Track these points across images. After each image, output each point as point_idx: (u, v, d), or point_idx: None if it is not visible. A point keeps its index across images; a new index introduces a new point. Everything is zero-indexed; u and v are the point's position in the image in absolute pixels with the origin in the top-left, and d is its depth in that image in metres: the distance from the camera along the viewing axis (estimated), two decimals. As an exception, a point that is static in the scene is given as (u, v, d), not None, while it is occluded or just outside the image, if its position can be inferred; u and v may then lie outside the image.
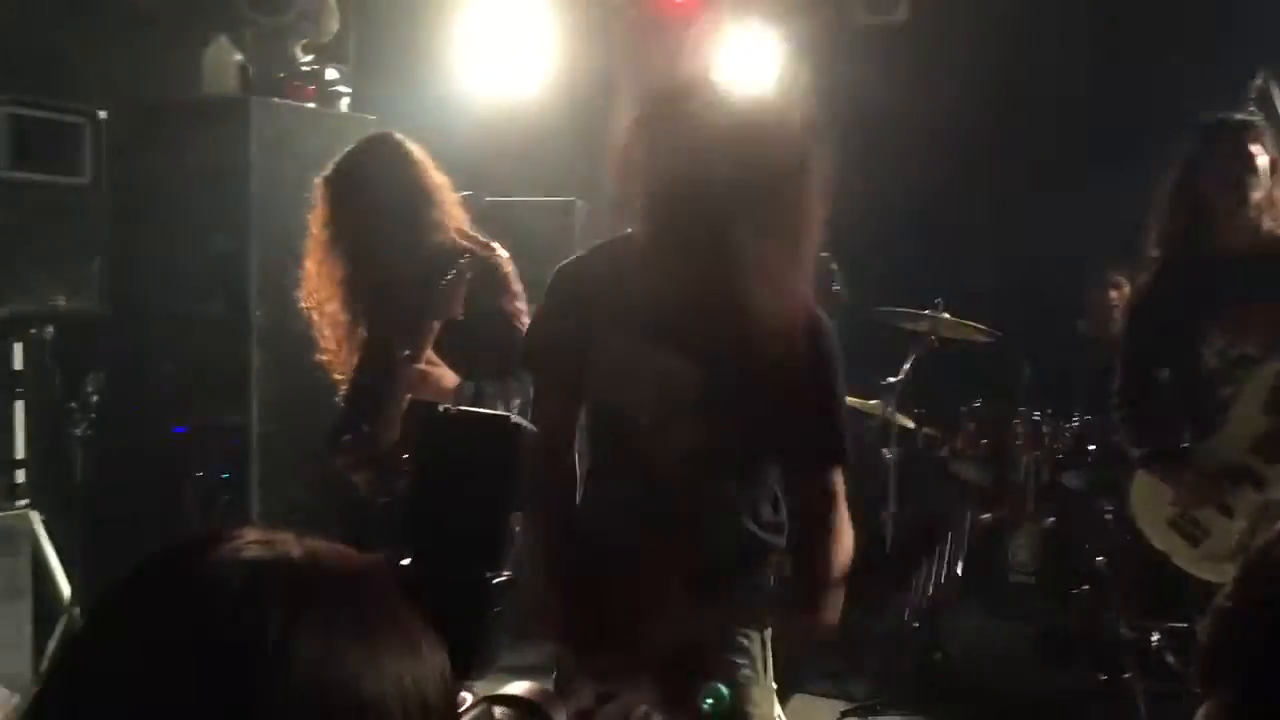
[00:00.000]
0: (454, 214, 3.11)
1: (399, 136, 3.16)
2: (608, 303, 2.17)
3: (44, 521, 4.13)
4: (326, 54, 5.15)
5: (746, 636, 2.24)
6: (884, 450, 5.02)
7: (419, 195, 3.06)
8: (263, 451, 4.66)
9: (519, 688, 0.99)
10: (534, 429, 1.06)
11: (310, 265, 3.18)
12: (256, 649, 0.74)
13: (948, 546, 4.69)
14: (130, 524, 4.56)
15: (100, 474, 4.47)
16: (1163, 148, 4.94)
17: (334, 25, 5.14)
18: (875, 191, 5.13)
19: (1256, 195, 3.31)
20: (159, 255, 4.81)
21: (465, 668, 0.88)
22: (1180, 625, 4.36)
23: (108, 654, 0.78)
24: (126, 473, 4.74)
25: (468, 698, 0.95)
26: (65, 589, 4.08)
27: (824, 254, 5.10)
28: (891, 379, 4.87)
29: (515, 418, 1.03)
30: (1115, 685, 4.28)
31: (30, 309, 3.97)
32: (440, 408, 1.04)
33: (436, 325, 2.82)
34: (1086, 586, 4.32)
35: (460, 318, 2.82)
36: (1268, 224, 3.34)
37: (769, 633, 2.27)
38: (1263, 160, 3.33)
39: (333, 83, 5.08)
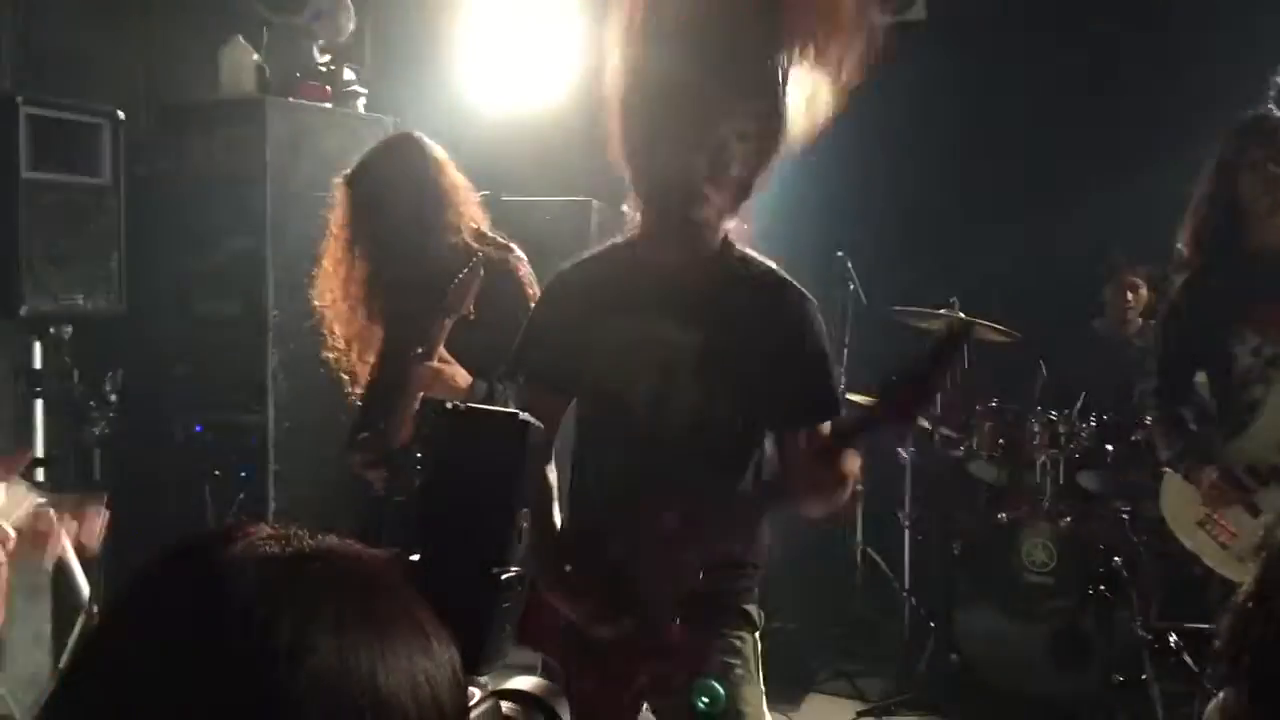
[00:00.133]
0: (473, 215, 3.12)
1: (420, 137, 3.17)
2: (604, 294, 2.28)
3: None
4: (342, 54, 5.16)
5: (739, 638, 2.30)
6: (900, 451, 5.02)
7: (437, 197, 3.07)
8: (280, 450, 4.68)
9: (525, 683, 1.00)
10: (542, 426, 1.07)
11: (327, 263, 3.20)
12: (271, 646, 0.75)
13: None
14: (148, 522, 4.59)
15: (118, 472, 4.49)
16: (1180, 146, 4.93)
17: (350, 25, 5.15)
18: (890, 190, 5.14)
19: None
20: (177, 255, 4.84)
21: (475, 662, 0.88)
22: (1198, 626, 4.35)
23: (123, 650, 0.78)
24: (145, 471, 4.76)
25: (475, 693, 0.95)
26: (84, 587, 4.09)
27: (839, 253, 5.11)
28: (907, 378, 4.85)
29: (524, 415, 1.04)
30: (1132, 686, 4.27)
31: (49, 308, 3.99)
32: (449, 404, 1.04)
33: (448, 324, 2.83)
34: (1103, 587, 4.31)
35: (471, 317, 2.83)
36: None
37: (758, 634, 2.35)
38: None
39: (349, 83, 5.10)
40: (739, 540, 2.31)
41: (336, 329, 3.19)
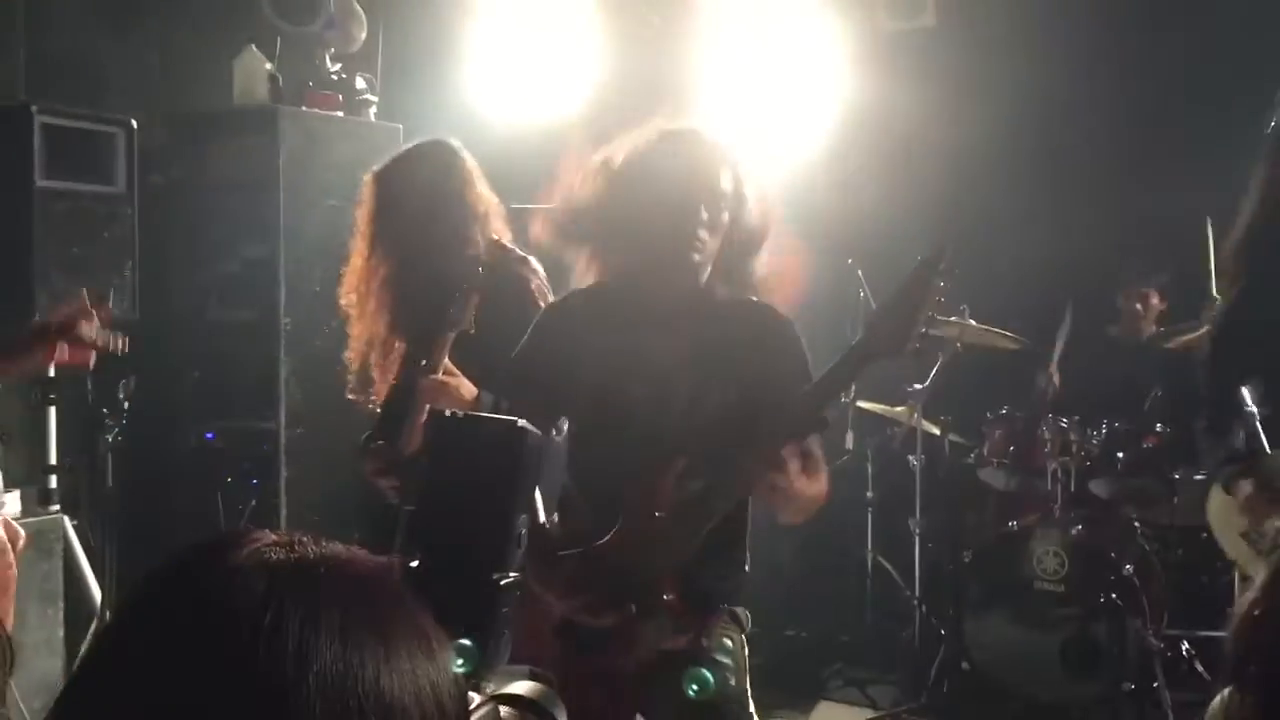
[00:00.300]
0: (497, 229, 3.11)
1: (455, 146, 3.17)
2: (598, 317, 2.48)
3: (75, 526, 4.17)
4: (354, 63, 5.19)
5: (729, 637, 2.40)
6: (910, 458, 5.01)
7: (462, 209, 3.07)
8: (291, 456, 4.70)
9: (522, 687, 1.00)
10: (539, 433, 1.08)
11: (354, 259, 3.19)
12: (277, 650, 0.76)
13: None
14: (161, 528, 4.62)
15: (131, 479, 4.52)
16: (1194, 152, 4.92)
17: (362, 35, 5.17)
18: (901, 196, 5.13)
19: None
20: (190, 262, 4.86)
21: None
22: (1209, 634, 4.33)
23: (130, 654, 0.79)
24: (157, 478, 4.79)
25: (475, 697, 0.96)
26: (97, 593, 4.12)
27: (849, 260, 5.11)
28: (918, 386, 4.86)
29: (521, 422, 1.05)
30: (1143, 694, 4.25)
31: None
32: (447, 412, 1.05)
33: (450, 338, 2.83)
34: (1114, 595, 4.29)
35: (473, 331, 2.83)
36: None
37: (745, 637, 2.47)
38: None
39: (360, 92, 5.12)
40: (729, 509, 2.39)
41: (356, 328, 3.19)
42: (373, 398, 3.23)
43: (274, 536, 0.82)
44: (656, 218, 2.40)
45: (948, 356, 4.83)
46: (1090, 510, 4.65)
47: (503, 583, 1.00)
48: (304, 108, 4.89)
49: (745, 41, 5.14)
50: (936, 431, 5.11)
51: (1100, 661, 4.28)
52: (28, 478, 4.16)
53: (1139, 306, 5.11)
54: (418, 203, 3.06)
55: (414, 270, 3.06)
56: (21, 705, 3.49)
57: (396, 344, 3.17)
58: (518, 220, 3.40)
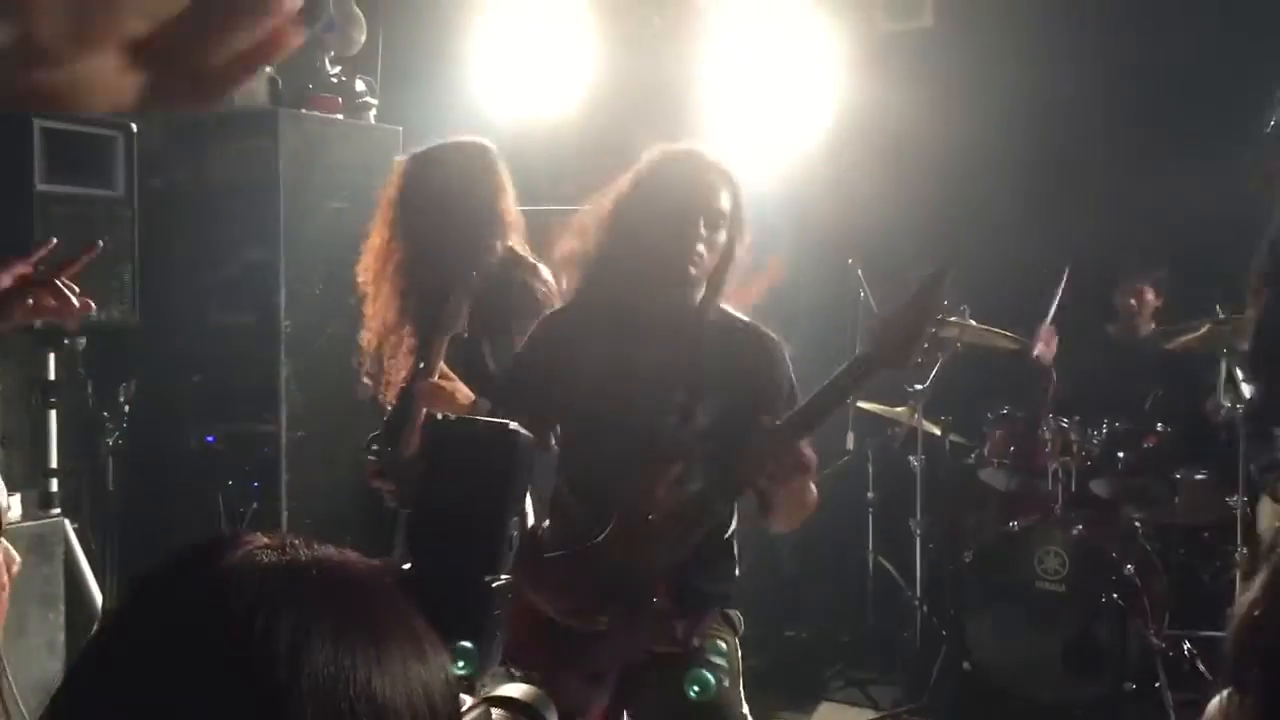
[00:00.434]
0: (514, 241, 3.10)
1: (494, 152, 3.15)
2: (592, 327, 2.52)
3: (76, 530, 4.18)
4: (354, 66, 5.19)
5: (723, 639, 2.42)
6: (911, 458, 5.01)
7: (489, 213, 3.05)
8: (292, 460, 4.70)
9: (514, 689, 1.00)
10: (531, 436, 1.08)
11: (373, 237, 3.16)
12: (269, 653, 0.76)
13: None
14: (161, 532, 4.62)
15: (132, 482, 4.52)
16: (1191, 151, 4.92)
17: (361, 37, 5.18)
18: (900, 197, 5.13)
19: None
20: (189, 266, 4.86)
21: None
22: (1211, 634, 4.33)
23: (123, 657, 0.79)
24: (158, 481, 4.79)
25: (466, 699, 0.96)
26: (98, 597, 4.12)
27: (849, 261, 5.11)
28: (918, 386, 4.86)
29: (513, 425, 1.05)
30: (1145, 694, 4.25)
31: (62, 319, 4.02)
32: (440, 416, 1.05)
33: (444, 340, 2.82)
34: (1115, 595, 4.29)
35: (465, 335, 2.82)
36: None
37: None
38: None
39: (360, 94, 5.12)
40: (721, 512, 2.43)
41: (371, 310, 3.16)
42: (382, 386, 3.19)
43: (266, 540, 0.83)
44: (656, 228, 2.46)
45: (948, 357, 4.83)
46: (1091, 510, 4.64)
47: (495, 585, 1.00)
48: (304, 110, 4.90)
49: (744, 42, 5.15)
50: (937, 432, 5.11)
51: (1102, 661, 4.27)
52: (29, 481, 4.16)
53: (1134, 302, 5.11)
54: (445, 195, 3.04)
55: (428, 263, 3.03)
56: (22, 707, 3.49)
57: (406, 334, 3.13)
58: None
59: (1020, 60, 5.03)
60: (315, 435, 4.71)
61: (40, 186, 4.05)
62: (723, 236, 2.49)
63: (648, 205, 2.49)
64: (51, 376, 4.07)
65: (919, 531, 5.01)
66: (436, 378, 2.81)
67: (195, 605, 0.79)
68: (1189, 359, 4.69)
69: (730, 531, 2.56)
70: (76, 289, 2.69)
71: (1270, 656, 1.00)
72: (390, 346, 3.14)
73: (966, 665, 4.53)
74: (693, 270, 2.46)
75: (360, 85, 5.14)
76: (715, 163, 2.53)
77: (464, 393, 2.85)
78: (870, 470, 5.28)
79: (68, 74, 0.63)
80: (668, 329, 2.50)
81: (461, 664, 1.94)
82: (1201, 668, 4.44)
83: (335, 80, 5.07)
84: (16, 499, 4.01)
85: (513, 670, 2.28)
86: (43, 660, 3.93)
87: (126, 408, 4.29)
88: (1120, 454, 4.61)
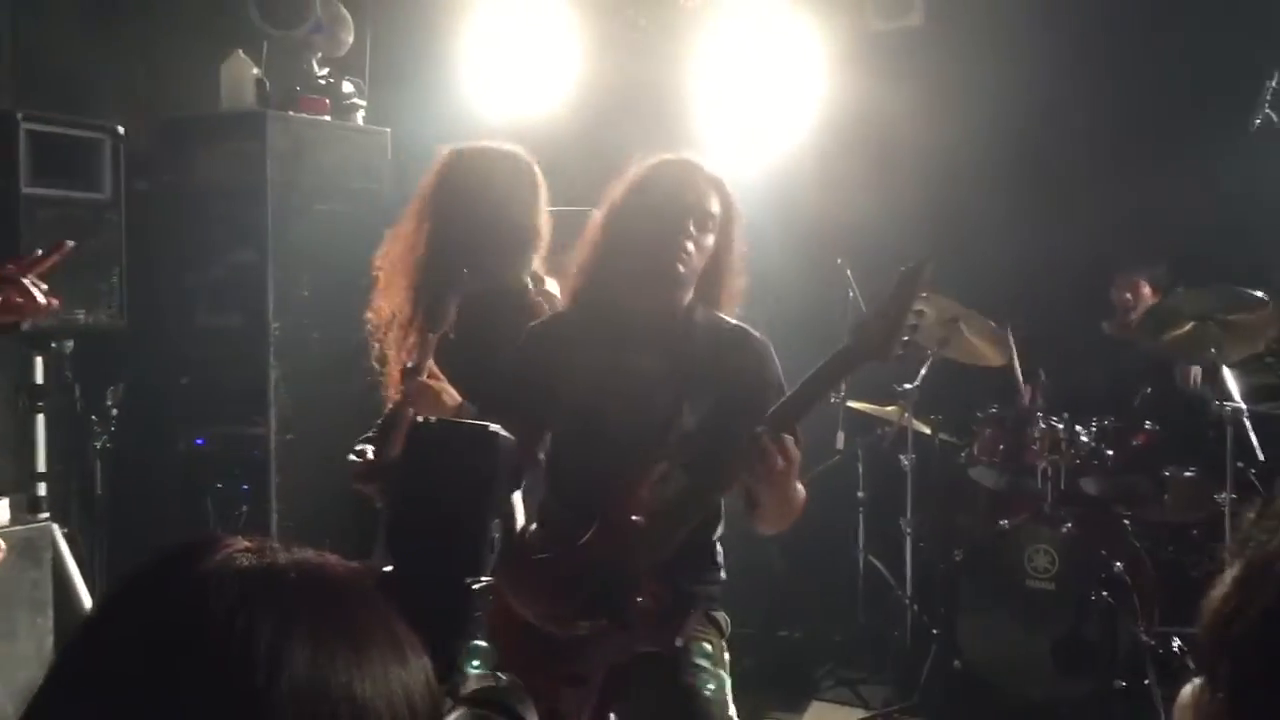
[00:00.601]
0: (538, 260, 3.06)
1: (538, 171, 3.09)
2: (582, 331, 2.56)
3: (65, 534, 4.16)
4: (342, 67, 5.18)
5: (709, 642, 2.45)
6: (901, 457, 5.02)
7: (521, 223, 3.00)
8: (281, 462, 4.69)
9: (493, 689, 1.00)
10: (512, 438, 1.09)
11: (404, 225, 3.09)
12: (250, 656, 0.75)
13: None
14: (151, 535, 4.60)
15: (120, 486, 4.51)
16: (1182, 148, 4.94)
17: (349, 38, 5.17)
18: (890, 195, 5.13)
19: None
20: (177, 268, 4.85)
21: (447, 671, 0.89)
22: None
23: (102, 662, 0.79)
24: (146, 485, 4.78)
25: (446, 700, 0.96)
26: (86, 601, 4.11)
27: (839, 260, 5.12)
28: (908, 385, 4.87)
29: (494, 427, 1.05)
30: (1134, 691, 4.26)
31: (50, 323, 3.99)
32: (420, 418, 1.05)
33: (433, 339, 2.79)
34: (1105, 592, 4.29)
35: (452, 335, 2.80)
36: None
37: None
38: None
39: (348, 96, 5.11)
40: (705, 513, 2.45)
41: (383, 297, 3.07)
42: (383, 377, 3.15)
43: (245, 543, 0.82)
44: (647, 228, 2.49)
45: (937, 356, 4.84)
46: (1080, 508, 4.65)
47: (476, 587, 1.00)
48: (292, 112, 4.89)
49: (733, 41, 5.15)
50: (927, 431, 5.12)
51: (1091, 659, 4.28)
52: (16, 485, 4.15)
53: (1129, 296, 5.11)
54: (482, 195, 2.99)
55: (444, 262, 2.96)
56: (10, 710, 3.48)
57: (411, 329, 3.07)
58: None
59: (1010, 59, 5.04)
60: (305, 437, 4.70)
61: (26, 189, 4.04)
62: (711, 240, 2.51)
63: (639, 207, 2.53)
64: (39, 380, 4.06)
65: (909, 530, 5.02)
66: (425, 377, 2.79)
67: (175, 608, 0.79)
68: (1178, 357, 4.71)
69: (717, 534, 2.57)
70: (45, 286, 2.66)
71: (1239, 650, 1.00)
72: (394, 341, 3.09)
73: (957, 664, 4.54)
74: (681, 269, 2.48)
75: (348, 87, 5.13)
76: (706, 170, 2.56)
77: (450, 394, 2.83)
78: (860, 469, 5.29)
79: None
80: (656, 332, 2.52)
81: (477, 663, 1.94)
82: (1191, 665, 4.44)
83: (323, 82, 5.06)
84: (4, 503, 4.00)
85: (499, 674, 2.28)
86: (31, 665, 3.92)
87: (114, 411, 4.28)
88: (1109, 452, 4.62)
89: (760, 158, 4.97)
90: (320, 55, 5.09)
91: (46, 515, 4.12)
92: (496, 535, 1.02)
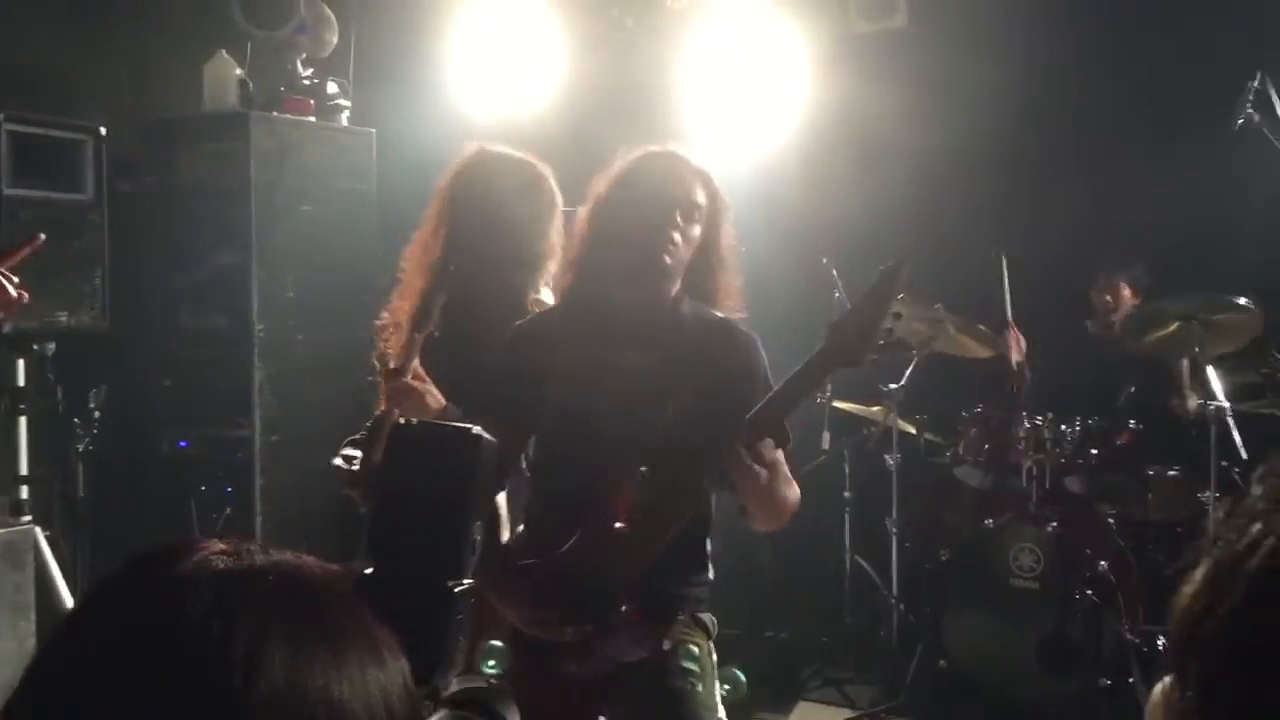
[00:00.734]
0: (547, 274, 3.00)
1: (555, 187, 3.04)
2: (569, 327, 2.54)
3: (47, 537, 4.14)
4: (326, 68, 5.17)
5: (696, 644, 2.43)
6: (886, 456, 5.02)
7: (538, 234, 2.96)
8: (266, 464, 4.68)
9: (474, 690, 1.00)
10: (495, 441, 1.08)
11: (425, 226, 3.04)
12: (227, 659, 0.75)
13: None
14: (133, 538, 4.58)
15: (103, 488, 4.49)
16: (1166, 148, 4.95)
17: (333, 39, 5.16)
18: (874, 196, 5.14)
19: None
20: (161, 269, 4.84)
21: (430, 673, 0.89)
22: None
23: (78, 666, 0.78)
24: (129, 487, 4.76)
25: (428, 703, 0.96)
26: (69, 604, 4.09)
27: (823, 260, 5.12)
28: (893, 385, 4.88)
29: (476, 429, 1.04)
30: (1119, 690, 4.27)
31: (32, 325, 3.98)
32: (402, 420, 1.05)
33: (418, 339, 2.77)
34: (1090, 591, 4.31)
35: (436, 334, 2.78)
36: None
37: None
38: None
39: (332, 96, 5.10)
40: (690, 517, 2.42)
41: (394, 300, 3.01)
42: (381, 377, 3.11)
43: (221, 545, 0.82)
44: (632, 220, 2.48)
45: (922, 355, 4.84)
46: (1065, 507, 4.66)
47: (457, 589, 1.00)
48: (276, 113, 4.87)
49: (718, 41, 5.15)
50: (912, 430, 5.13)
51: (1076, 658, 4.29)
52: (-2, 488, 4.13)
53: (1109, 299, 5.13)
54: (503, 200, 2.94)
55: (451, 263, 2.92)
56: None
57: (416, 332, 3.01)
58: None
59: (993, 61, 5.05)
60: (289, 439, 4.69)
61: (8, 190, 4.03)
62: (697, 231, 2.50)
63: (625, 200, 2.51)
64: (20, 382, 4.04)
65: (895, 530, 5.03)
66: (409, 378, 2.77)
67: (150, 611, 0.78)
68: (1160, 357, 4.72)
69: (705, 536, 2.56)
70: (16, 280, 2.64)
71: (1209, 649, 0.99)
72: (398, 338, 3.04)
73: (943, 663, 4.54)
74: (668, 260, 2.46)
75: (333, 87, 5.12)
76: (692, 161, 2.55)
77: (435, 397, 2.81)
78: (846, 470, 5.29)
79: None
80: (644, 325, 2.50)
81: (491, 663, 1.94)
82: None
83: (307, 82, 5.05)
84: (-11, 506, 3.98)
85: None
86: (13, 668, 3.89)
87: (97, 413, 4.26)
88: (1094, 451, 4.63)
89: (745, 158, 4.97)
90: (304, 56, 5.08)
91: (29, 518, 4.09)
92: (478, 537, 1.01)
